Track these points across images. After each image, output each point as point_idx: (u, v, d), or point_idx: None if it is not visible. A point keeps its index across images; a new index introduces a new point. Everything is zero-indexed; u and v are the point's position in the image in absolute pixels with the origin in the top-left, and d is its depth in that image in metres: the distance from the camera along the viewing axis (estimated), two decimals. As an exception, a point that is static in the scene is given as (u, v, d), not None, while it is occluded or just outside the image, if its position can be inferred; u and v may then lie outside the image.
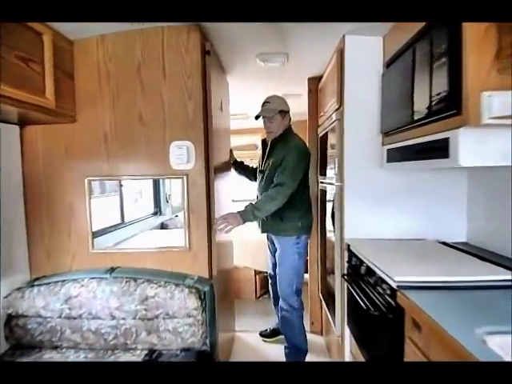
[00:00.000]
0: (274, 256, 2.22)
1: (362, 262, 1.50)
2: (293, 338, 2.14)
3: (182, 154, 1.66)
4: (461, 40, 1.04)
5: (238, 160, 2.48)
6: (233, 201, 2.53)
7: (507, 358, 0.71)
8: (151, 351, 1.54)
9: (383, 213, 1.79)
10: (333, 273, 2.01)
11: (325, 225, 2.35)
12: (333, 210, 2.01)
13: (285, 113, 2.07)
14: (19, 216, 1.69)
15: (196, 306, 1.51)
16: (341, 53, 1.78)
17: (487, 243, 1.54)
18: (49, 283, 1.61)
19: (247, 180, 2.47)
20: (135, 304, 1.52)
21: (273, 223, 2.08)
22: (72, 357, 1.51)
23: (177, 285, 1.56)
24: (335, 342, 2.07)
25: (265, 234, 2.31)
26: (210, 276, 1.72)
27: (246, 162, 2.52)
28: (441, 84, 1.13)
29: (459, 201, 1.73)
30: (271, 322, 2.57)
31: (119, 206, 1.93)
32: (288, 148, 2.00)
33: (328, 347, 2.39)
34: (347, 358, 1.82)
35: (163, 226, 2.02)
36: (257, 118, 2.10)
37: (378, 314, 1.24)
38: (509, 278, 1.11)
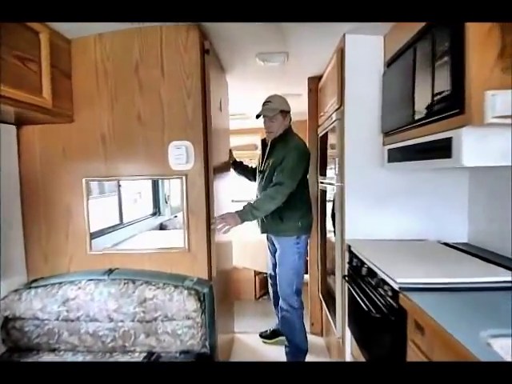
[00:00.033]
0: (274, 256, 2.22)
1: (363, 263, 1.49)
2: (293, 338, 2.14)
3: (181, 154, 1.65)
4: (464, 38, 1.03)
5: (238, 160, 2.47)
6: (232, 201, 2.52)
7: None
8: (150, 354, 1.52)
9: (384, 213, 1.78)
10: (333, 273, 2.00)
11: (325, 225, 2.34)
12: (333, 210, 2.00)
13: (286, 113, 2.06)
14: (16, 217, 1.67)
15: (195, 307, 1.49)
16: (341, 52, 1.77)
17: (488, 244, 1.54)
18: (46, 285, 1.58)
19: (247, 180, 2.46)
20: (133, 306, 1.50)
21: (273, 223, 2.08)
22: (70, 359, 1.50)
23: (176, 286, 1.54)
24: (336, 343, 2.05)
25: (264, 235, 2.30)
26: (209, 277, 1.70)
27: (245, 162, 2.51)
28: (443, 83, 1.12)
29: (460, 201, 1.72)
30: (271, 323, 2.56)
31: (118, 206, 1.91)
32: (288, 148, 1.99)
33: (328, 348, 2.38)
34: (348, 360, 1.81)
35: (162, 227, 2.00)
36: (257, 116, 2.09)
37: (380, 316, 1.23)
38: (511, 279, 1.10)
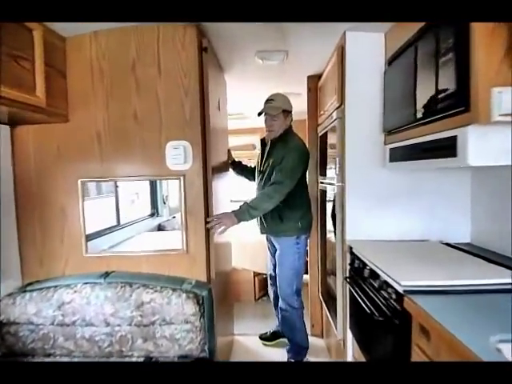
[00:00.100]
0: (274, 257, 2.21)
1: (365, 265, 1.46)
2: (294, 337, 2.14)
3: (179, 154, 1.61)
4: (469, 34, 1.00)
5: (236, 160, 2.44)
6: (231, 201, 2.49)
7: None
8: (147, 359, 1.49)
9: (385, 213, 1.75)
10: (333, 274, 1.98)
11: (325, 225, 2.32)
12: (333, 210, 1.97)
13: (288, 112, 2.05)
14: (10, 218, 1.63)
15: (194, 311, 1.46)
16: (342, 49, 1.74)
17: (491, 244, 1.52)
18: (41, 289, 1.55)
19: (246, 180, 2.44)
20: (131, 310, 1.47)
21: (272, 224, 2.07)
22: (65, 365, 1.46)
23: (174, 289, 1.51)
24: (336, 344, 2.03)
25: (264, 235, 2.28)
26: (208, 280, 1.67)
27: (244, 162, 2.48)
28: (447, 80, 1.09)
29: (463, 201, 1.70)
30: (271, 325, 2.53)
31: (115, 207, 1.88)
32: (288, 148, 1.97)
33: (329, 350, 2.35)
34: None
35: (160, 228, 1.97)
36: (259, 114, 2.06)
37: (383, 320, 1.20)
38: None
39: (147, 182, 1.79)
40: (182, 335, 1.48)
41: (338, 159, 1.81)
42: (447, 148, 1.12)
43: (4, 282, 1.56)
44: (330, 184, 2.11)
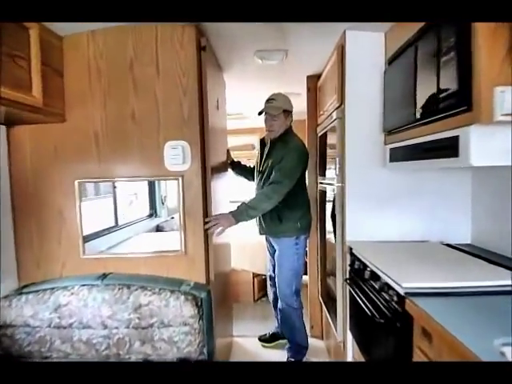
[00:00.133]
0: (274, 258, 2.20)
1: (365, 266, 1.45)
2: (293, 337, 2.14)
3: (178, 155, 1.60)
4: (470, 33, 0.99)
5: (236, 160, 2.43)
6: (230, 202, 2.47)
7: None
8: (145, 362, 1.47)
9: (386, 214, 1.74)
10: (333, 275, 1.96)
11: (324, 226, 2.31)
12: (333, 210, 1.96)
13: (288, 112, 2.04)
14: (7, 219, 1.61)
15: (192, 313, 1.44)
16: (342, 48, 1.73)
17: (492, 245, 1.50)
18: (37, 291, 1.53)
19: (245, 180, 2.42)
20: (128, 312, 1.46)
21: (272, 224, 2.06)
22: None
23: (172, 291, 1.49)
24: (336, 346, 2.01)
25: (263, 236, 2.27)
26: (207, 281, 1.65)
27: (243, 162, 2.47)
28: (449, 80, 1.08)
29: (463, 201, 1.69)
30: (270, 326, 2.52)
31: (113, 208, 1.86)
32: (287, 148, 1.96)
33: (329, 351, 2.34)
34: (349, 365, 1.77)
35: (159, 229, 1.96)
36: (260, 113, 2.05)
37: (384, 322, 1.19)
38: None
39: (145, 183, 1.77)
40: (181, 338, 1.46)
41: (337, 159, 1.80)
42: (449, 148, 1.11)
43: (1, 284, 1.54)
44: (329, 184, 2.09)
